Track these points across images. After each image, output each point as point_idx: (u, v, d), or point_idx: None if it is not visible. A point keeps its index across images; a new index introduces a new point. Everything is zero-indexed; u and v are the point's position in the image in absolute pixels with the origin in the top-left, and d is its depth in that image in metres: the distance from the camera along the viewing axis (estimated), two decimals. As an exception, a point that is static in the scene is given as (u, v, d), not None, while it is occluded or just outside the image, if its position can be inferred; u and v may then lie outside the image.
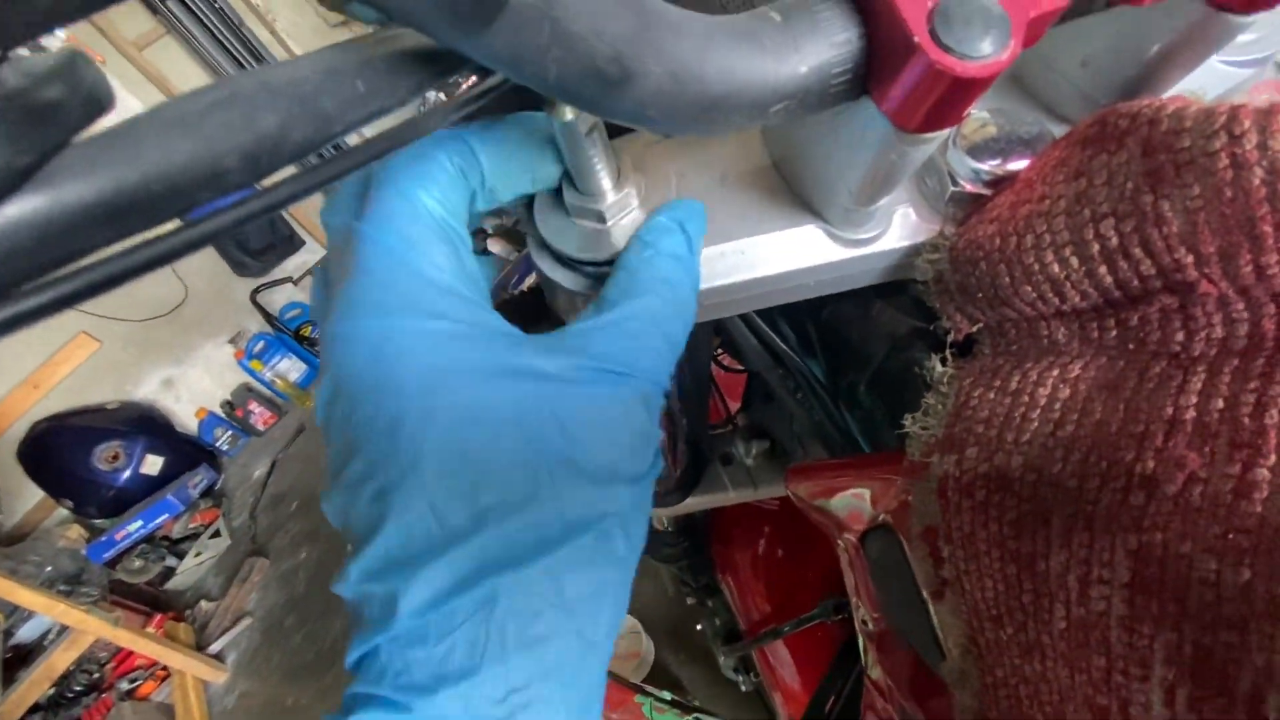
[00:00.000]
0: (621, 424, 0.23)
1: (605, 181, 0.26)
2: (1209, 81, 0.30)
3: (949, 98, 0.19)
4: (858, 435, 0.45)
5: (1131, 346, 0.24)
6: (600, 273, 0.28)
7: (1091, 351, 0.25)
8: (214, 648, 2.08)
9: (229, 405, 2.84)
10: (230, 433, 2.81)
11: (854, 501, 0.42)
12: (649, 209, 0.28)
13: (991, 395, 0.26)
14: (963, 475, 0.26)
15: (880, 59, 0.19)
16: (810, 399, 0.45)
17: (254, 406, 2.85)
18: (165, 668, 1.96)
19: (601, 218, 0.27)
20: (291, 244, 2.89)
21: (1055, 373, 0.25)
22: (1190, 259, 0.20)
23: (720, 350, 0.62)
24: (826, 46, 0.19)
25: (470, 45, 0.14)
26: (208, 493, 2.62)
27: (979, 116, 0.28)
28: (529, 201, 0.29)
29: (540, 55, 0.14)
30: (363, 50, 0.15)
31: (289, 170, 0.14)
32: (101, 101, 0.11)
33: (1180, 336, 0.22)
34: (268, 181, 0.13)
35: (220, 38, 2.41)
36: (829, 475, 0.44)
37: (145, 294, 2.49)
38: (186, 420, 2.77)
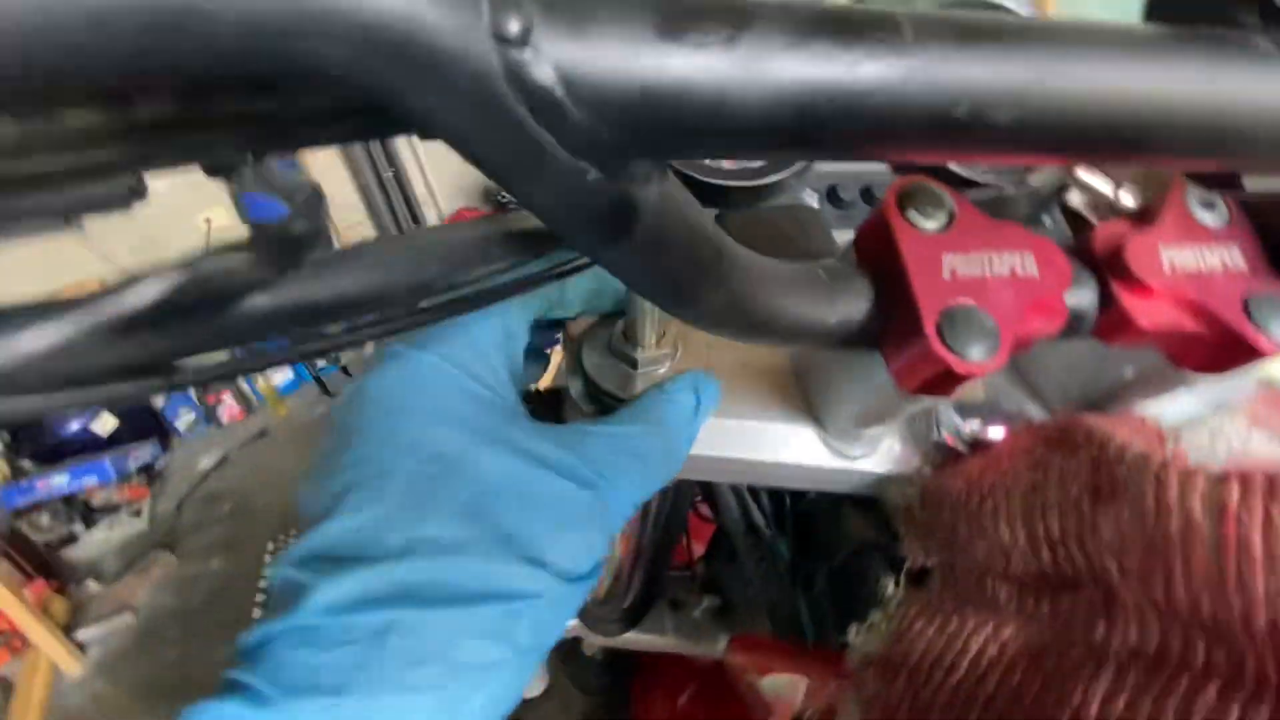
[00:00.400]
0: (574, 524, 0.24)
1: (649, 337, 0.30)
2: (1171, 410, 0.35)
3: (942, 381, 0.23)
4: (806, 621, 0.46)
5: (1058, 625, 0.26)
6: (612, 405, 0.31)
7: (1025, 619, 0.27)
8: (82, 634, 1.92)
9: (203, 389, 2.80)
10: (194, 416, 2.76)
11: (785, 688, 0.42)
12: (676, 368, 0.32)
13: (930, 631, 0.29)
14: (891, 699, 0.28)
15: (895, 331, 0.24)
16: (771, 573, 0.47)
17: (227, 398, 2.81)
18: (22, 640, 1.80)
19: (634, 364, 0.31)
20: (327, 260, 2.99)
21: (989, 628, 0.28)
22: (1114, 567, 0.23)
23: (700, 498, 0.65)
24: (855, 308, 0.24)
25: (590, 251, 0.18)
26: (145, 469, 2.53)
27: (975, 381, 0.33)
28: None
29: (636, 271, 0.19)
30: (504, 224, 0.19)
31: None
32: (322, 235, 0.15)
33: (1100, 629, 0.25)
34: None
35: (370, 151, 2.80)
36: (770, 654, 0.45)
37: (166, 258, 2.55)
38: (157, 391, 2.73)
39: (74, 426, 2.35)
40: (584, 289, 0.31)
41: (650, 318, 0.29)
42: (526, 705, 1.72)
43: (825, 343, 0.25)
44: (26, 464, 2.32)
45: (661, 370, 0.32)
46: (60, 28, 0.09)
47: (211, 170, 0.18)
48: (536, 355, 0.37)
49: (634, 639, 0.63)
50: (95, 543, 2.23)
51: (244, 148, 0.16)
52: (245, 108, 0.15)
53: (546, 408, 0.39)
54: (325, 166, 2.91)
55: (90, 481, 2.29)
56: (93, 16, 0.09)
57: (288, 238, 0.13)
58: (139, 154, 0.15)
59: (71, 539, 2.22)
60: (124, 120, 0.14)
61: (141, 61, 0.10)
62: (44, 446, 2.31)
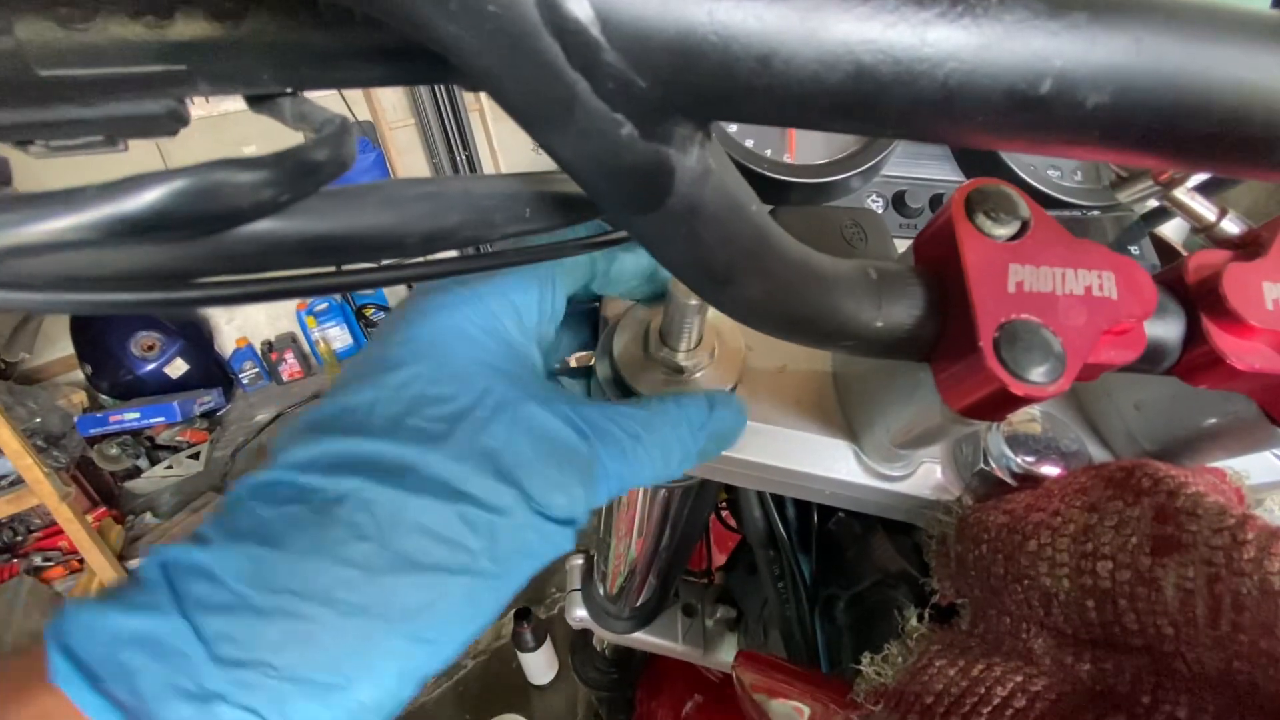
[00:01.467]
0: (558, 463, 0.23)
1: (684, 343, 0.29)
2: (1260, 468, 0.31)
3: (994, 402, 0.21)
4: (820, 648, 0.44)
5: (1099, 688, 0.24)
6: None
7: (1061, 675, 0.25)
8: (133, 563, 2.04)
9: (268, 345, 2.94)
10: (257, 370, 2.90)
11: (793, 714, 0.40)
12: (710, 373, 0.30)
13: (952, 671, 0.26)
14: (898, 739, 0.26)
15: (947, 342, 0.22)
16: (789, 593, 0.45)
17: (289, 357, 2.94)
18: (81, 561, 1.93)
19: (663, 364, 0.30)
20: (395, 234, 3.09)
21: (1019, 678, 0.25)
22: (1171, 632, 0.21)
23: (725, 506, 0.63)
24: (905, 313, 0.22)
25: (623, 220, 0.17)
26: (208, 415, 2.67)
27: (1030, 410, 0.30)
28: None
29: (669, 244, 0.18)
30: (538, 183, 0.18)
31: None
32: (347, 166, 0.14)
33: (1146, 700, 0.22)
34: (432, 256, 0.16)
35: (449, 135, 2.98)
36: (779, 675, 0.43)
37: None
38: (226, 342, 2.88)
39: (149, 366, 2.50)
40: (632, 269, 0.30)
41: (688, 320, 0.28)
42: (535, 692, 1.73)
43: (870, 349, 0.23)
44: (104, 398, 2.49)
45: (696, 375, 0.31)
46: None
47: (254, 103, 0.18)
48: (578, 329, 0.36)
49: (643, 639, 0.62)
50: (156, 478, 2.37)
51: (283, 79, 0.16)
52: (283, 37, 0.15)
53: (575, 381, 0.38)
54: (404, 146, 3.03)
55: (158, 420, 2.45)
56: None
57: (306, 162, 0.13)
58: (178, 73, 0.15)
59: (135, 472, 2.37)
60: (161, 35, 0.14)
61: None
62: (120, 382, 2.47)
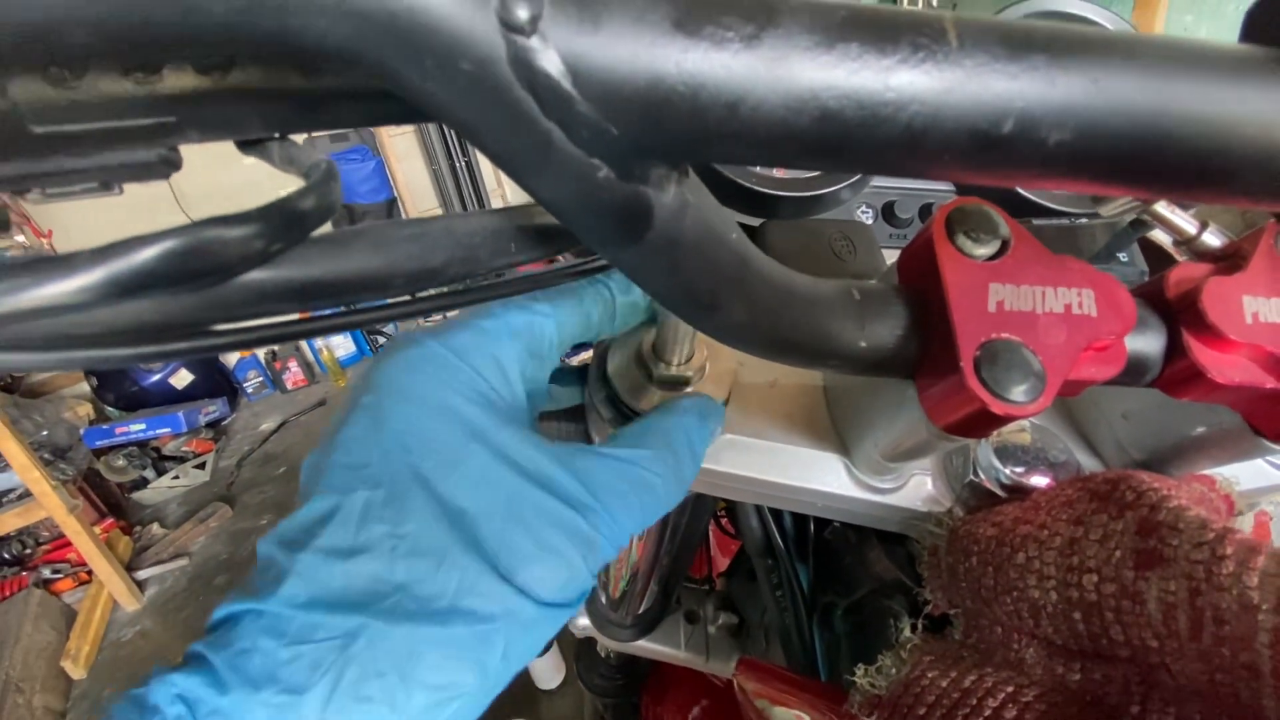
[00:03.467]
0: (556, 548, 0.23)
1: (676, 355, 0.29)
2: (1250, 473, 0.32)
3: (978, 420, 0.21)
4: (819, 656, 0.44)
5: (1089, 698, 0.24)
6: (631, 416, 0.30)
7: (1052, 685, 0.25)
8: (141, 574, 2.05)
9: (272, 354, 2.96)
10: (261, 379, 2.92)
11: (789, 718, 0.41)
12: (703, 386, 0.31)
13: (944, 682, 0.27)
14: (892, 750, 0.27)
15: (930, 362, 0.22)
16: (787, 601, 0.45)
17: (293, 365, 2.96)
18: (89, 572, 1.94)
19: (657, 380, 0.30)
20: (396, 241, 3.11)
21: (1010, 688, 0.25)
22: (1156, 644, 0.21)
23: (724, 513, 0.63)
24: (888, 333, 0.22)
25: (605, 253, 0.17)
26: (214, 425, 2.68)
27: (1020, 423, 0.31)
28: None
29: (652, 275, 0.18)
30: (521, 217, 0.19)
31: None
32: (334, 211, 0.15)
33: (1135, 710, 0.23)
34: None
35: (449, 142, 2.98)
36: (778, 684, 0.43)
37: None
38: (230, 352, 2.90)
39: (154, 378, 2.52)
40: (630, 313, 0.30)
41: (678, 336, 0.28)
42: (543, 696, 1.73)
43: (855, 368, 0.23)
44: (110, 410, 2.50)
45: (689, 390, 0.31)
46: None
47: (243, 147, 0.18)
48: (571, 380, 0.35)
49: (646, 647, 0.62)
50: (162, 488, 2.38)
51: (269, 124, 0.17)
52: (268, 85, 0.15)
53: (572, 425, 0.38)
54: (404, 153, 3.05)
55: (164, 431, 2.46)
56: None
57: (293, 212, 0.13)
58: (168, 124, 0.15)
59: (142, 483, 2.39)
60: (150, 90, 0.14)
61: (139, 30, 0.10)
62: (126, 393, 2.49)
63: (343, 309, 0.16)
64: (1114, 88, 0.13)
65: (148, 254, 0.11)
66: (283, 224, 0.13)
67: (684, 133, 0.13)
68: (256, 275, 0.13)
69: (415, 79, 0.12)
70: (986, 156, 0.14)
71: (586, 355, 0.36)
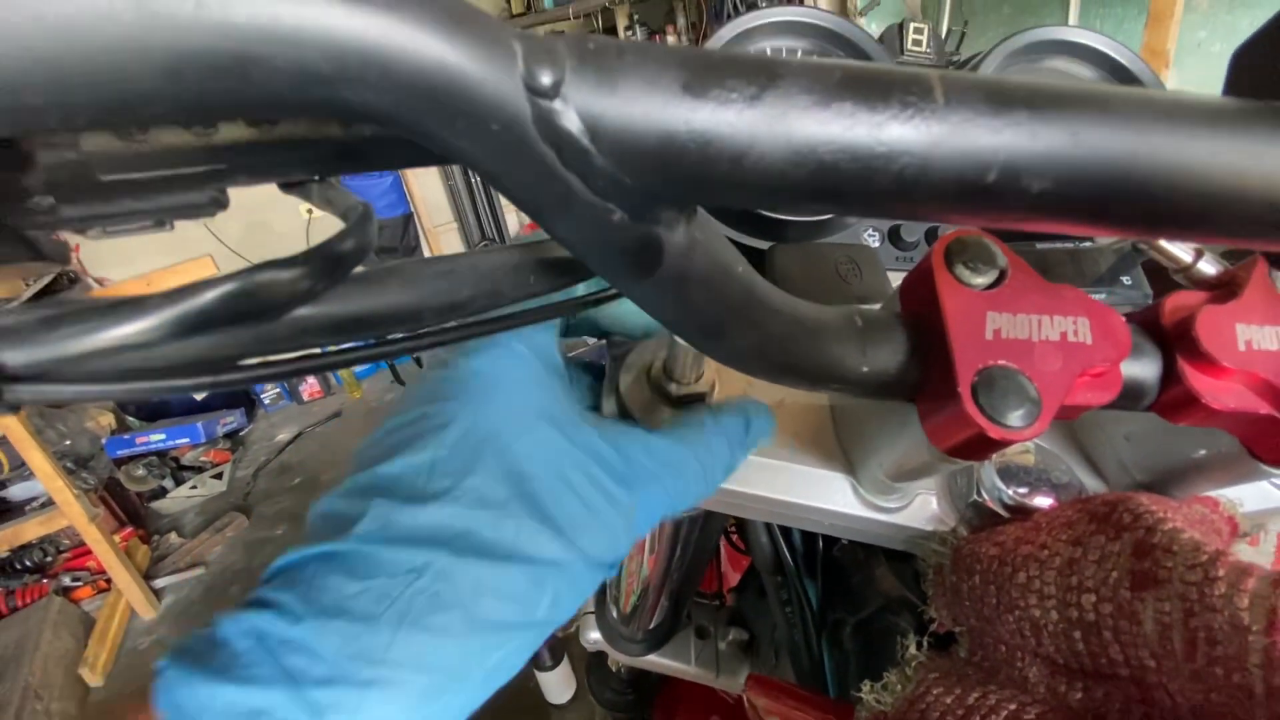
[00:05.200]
0: (604, 515, 0.25)
1: (687, 373, 0.30)
2: (1254, 495, 0.32)
3: (976, 444, 0.22)
4: (829, 673, 0.45)
5: (1090, 717, 0.25)
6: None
7: (1054, 704, 0.26)
8: (159, 583, 2.08)
9: (290, 367, 3.00)
10: (278, 390, 2.96)
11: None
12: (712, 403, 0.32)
13: (949, 700, 0.27)
14: (896, 766, 0.27)
15: (930, 387, 0.23)
16: (796, 618, 0.45)
17: (309, 377, 2.99)
18: (108, 580, 1.97)
19: (667, 397, 0.31)
20: (412, 255, 3.15)
21: (1013, 706, 0.26)
22: (1153, 664, 0.22)
23: (734, 529, 0.64)
24: (889, 359, 0.23)
25: (619, 286, 0.19)
26: (231, 435, 2.72)
27: (1024, 444, 0.31)
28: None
29: (663, 306, 0.19)
30: (539, 250, 0.20)
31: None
32: (370, 251, 0.16)
33: (1135, 729, 0.23)
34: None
35: (469, 171, 3.13)
36: (788, 700, 0.44)
37: (275, 247, 2.75)
38: (249, 364, 2.95)
39: (174, 390, 2.57)
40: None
41: (688, 354, 0.30)
42: (554, 710, 1.73)
43: (858, 391, 0.24)
44: (131, 420, 2.55)
45: (693, 405, 0.32)
46: (143, 73, 0.10)
47: (285, 187, 0.20)
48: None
49: (656, 662, 0.63)
50: (180, 498, 2.42)
51: (311, 169, 0.18)
52: (311, 135, 0.17)
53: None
54: (420, 169, 3.11)
55: (183, 441, 2.50)
56: (169, 64, 0.10)
57: (335, 255, 0.14)
58: (220, 170, 0.17)
59: (161, 492, 2.42)
60: (207, 141, 0.16)
61: (212, 100, 0.11)
62: (147, 404, 2.53)
63: (373, 341, 0.17)
64: (1091, 139, 0.14)
65: (209, 296, 0.13)
66: (325, 266, 0.14)
67: (692, 182, 0.14)
68: (302, 312, 0.15)
69: (449, 138, 0.13)
70: (973, 203, 0.15)
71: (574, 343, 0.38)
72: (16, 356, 0.11)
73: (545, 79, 0.13)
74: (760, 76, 0.14)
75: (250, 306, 0.13)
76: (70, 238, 0.18)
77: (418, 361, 2.92)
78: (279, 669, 0.19)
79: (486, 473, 0.23)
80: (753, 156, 0.14)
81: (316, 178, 0.18)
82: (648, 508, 0.26)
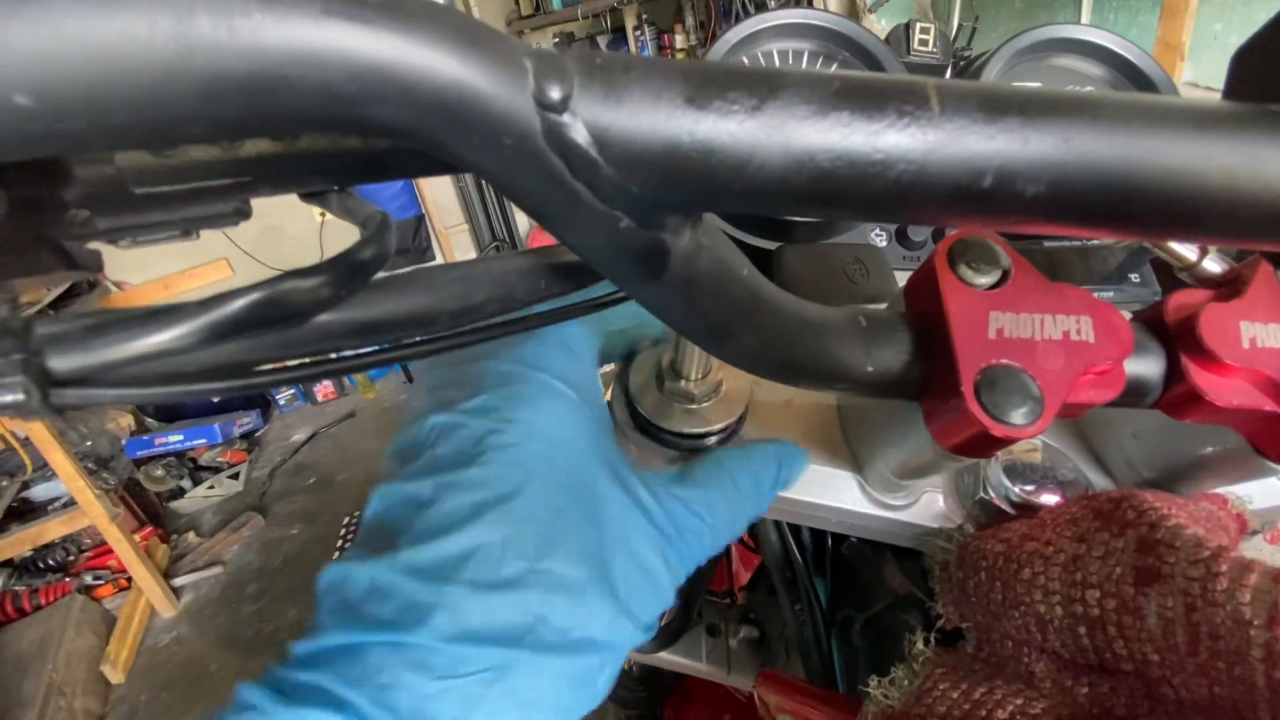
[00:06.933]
0: (657, 578, 0.25)
1: (694, 372, 0.31)
2: (1263, 492, 0.32)
3: (980, 442, 0.22)
4: (838, 670, 0.45)
5: (1095, 710, 0.25)
6: (651, 429, 0.32)
7: (1061, 698, 0.26)
8: (178, 581, 2.11)
9: (304, 368, 3.03)
10: (292, 391, 2.99)
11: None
12: (719, 404, 0.32)
13: (955, 694, 0.28)
14: (903, 759, 0.27)
15: (934, 386, 0.24)
16: (806, 615, 0.46)
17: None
18: (129, 579, 2.01)
19: (676, 395, 0.32)
20: (424, 256, 3.18)
21: (1019, 701, 0.26)
22: (1157, 658, 0.22)
23: (743, 526, 0.64)
24: (894, 358, 0.24)
25: (627, 290, 0.19)
26: (247, 436, 2.76)
27: (1031, 440, 0.32)
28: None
29: (670, 309, 0.20)
30: (551, 255, 0.21)
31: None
32: (388, 258, 0.17)
33: (1141, 723, 0.23)
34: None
35: (481, 182, 3.15)
36: (798, 696, 0.44)
37: (289, 251, 2.79)
38: (264, 366, 2.98)
39: (191, 391, 2.61)
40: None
41: (696, 354, 0.30)
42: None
43: (863, 390, 0.25)
44: (150, 421, 2.59)
45: (706, 405, 0.32)
46: (179, 97, 0.11)
47: (305, 197, 0.20)
48: None
49: (667, 659, 0.63)
50: (198, 498, 2.46)
51: (330, 179, 0.19)
52: (331, 148, 0.17)
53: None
54: (430, 171, 3.14)
55: (200, 442, 2.54)
56: (203, 85, 0.11)
57: (355, 263, 0.15)
58: (244, 183, 0.18)
59: (179, 493, 2.46)
60: (233, 155, 0.16)
61: (242, 120, 0.12)
62: (165, 406, 2.57)
63: (391, 345, 0.18)
64: (1083, 144, 0.14)
65: (239, 304, 0.13)
66: (347, 273, 0.15)
67: (696, 190, 0.15)
68: (324, 318, 0.16)
69: (464, 151, 0.14)
70: (969, 207, 0.15)
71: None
72: (63, 363, 0.12)
73: (555, 94, 0.13)
74: (761, 88, 0.14)
75: (276, 313, 0.14)
76: (98, 246, 0.19)
77: (407, 375, 2.92)
78: None
79: (564, 554, 0.22)
80: (754, 165, 0.14)
81: (336, 188, 0.19)
82: (688, 564, 0.26)
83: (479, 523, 0.21)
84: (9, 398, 0.11)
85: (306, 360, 0.16)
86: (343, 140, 0.17)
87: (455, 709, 0.19)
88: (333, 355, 0.16)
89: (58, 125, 0.11)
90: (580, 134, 0.14)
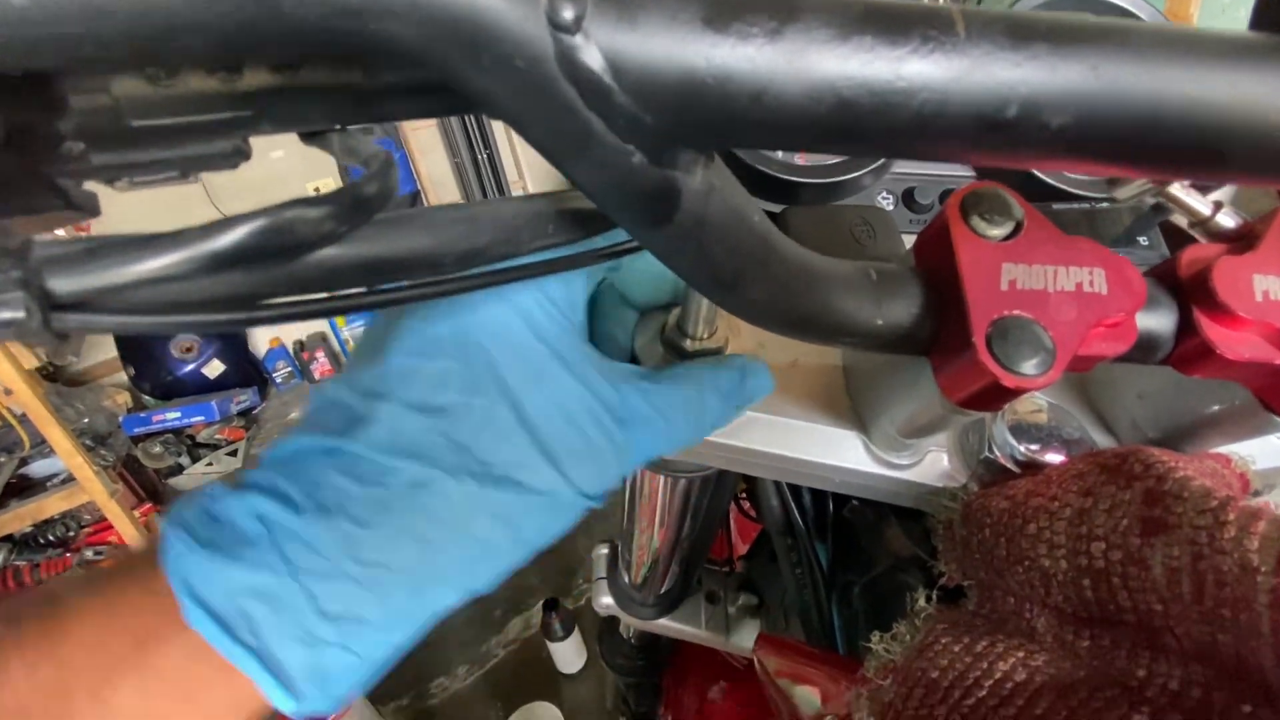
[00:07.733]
0: (598, 451, 0.26)
1: (699, 329, 0.30)
2: (1266, 452, 0.32)
3: (990, 394, 0.22)
4: (838, 632, 0.46)
5: (1096, 663, 0.25)
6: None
7: (1061, 652, 0.26)
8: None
9: (300, 345, 3.02)
10: (290, 369, 2.98)
11: (813, 698, 0.42)
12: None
13: (957, 648, 0.28)
14: (905, 711, 0.28)
15: (944, 338, 0.23)
16: (806, 579, 0.46)
17: (320, 355, 3.02)
18: (130, 555, 2.02)
19: (681, 353, 0.31)
20: (419, 234, 3.15)
21: (1021, 654, 0.27)
22: (1160, 608, 0.22)
23: (744, 495, 0.65)
24: (904, 312, 0.24)
25: (636, 234, 0.19)
26: (245, 414, 2.76)
27: (1036, 400, 0.32)
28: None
29: (679, 255, 0.19)
30: (559, 201, 0.20)
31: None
32: (393, 196, 0.16)
33: (1141, 673, 0.24)
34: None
35: (470, 135, 3.02)
36: (797, 657, 0.45)
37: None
38: (259, 343, 2.97)
39: (188, 368, 2.60)
40: (649, 274, 0.31)
41: (701, 310, 0.30)
42: (565, 680, 1.77)
43: (871, 345, 0.24)
44: (146, 399, 2.59)
45: (706, 361, 0.32)
46: (176, 4, 0.10)
47: (307, 138, 0.20)
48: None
49: (667, 625, 0.64)
50: (196, 475, 2.46)
51: (333, 118, 0.18)
52: (334, 81, 0.17)
53: None
54: (426, 146, 3.10)
55: (198, 419, 2.54)
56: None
57: (360, 196, 0.15)
58: (244, 118, 0.17)
59: (177, 470, 2.47)
60: (232, 87, 0.16)
61: (244, 27, 0.11)
62: (161, 383, 2.57)
63: (396, 285, 0.17)
64: (1111, 74, 0.14)
65: (242, 231, 0.13)
66: (351, 207, 0.15)
67: (712, 120, 0.14)
68: (326, 253, 0.15)
69: (473, 75, 0.13)
70: (992, 139, 0.15)
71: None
72: (63, 285, 0.11)
73: (568, 13, 0.13)
74: (780, 11, 0.14)
75: (279, 242, 0.13)
76: (95, 188, 0.18)
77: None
78: (281, 556, 0.21)
79: (494, 396, 0.24)
80: (772, 93, 0.14)
81: (337, 127, 0.19)
82: (639, 448, 0.27)
83: (420, 355, 0.24)
84: (9, 314, 0.10)
85: (311, 296, 0.16)
86: (345, 74, 0.17)
87: (374, 512, 0.22)
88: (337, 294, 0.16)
89: (55, 29, 0.10)
90: (594, 58, 0.13)
